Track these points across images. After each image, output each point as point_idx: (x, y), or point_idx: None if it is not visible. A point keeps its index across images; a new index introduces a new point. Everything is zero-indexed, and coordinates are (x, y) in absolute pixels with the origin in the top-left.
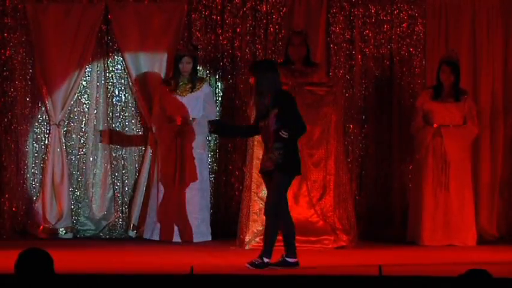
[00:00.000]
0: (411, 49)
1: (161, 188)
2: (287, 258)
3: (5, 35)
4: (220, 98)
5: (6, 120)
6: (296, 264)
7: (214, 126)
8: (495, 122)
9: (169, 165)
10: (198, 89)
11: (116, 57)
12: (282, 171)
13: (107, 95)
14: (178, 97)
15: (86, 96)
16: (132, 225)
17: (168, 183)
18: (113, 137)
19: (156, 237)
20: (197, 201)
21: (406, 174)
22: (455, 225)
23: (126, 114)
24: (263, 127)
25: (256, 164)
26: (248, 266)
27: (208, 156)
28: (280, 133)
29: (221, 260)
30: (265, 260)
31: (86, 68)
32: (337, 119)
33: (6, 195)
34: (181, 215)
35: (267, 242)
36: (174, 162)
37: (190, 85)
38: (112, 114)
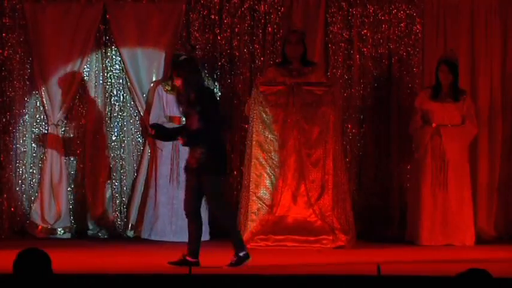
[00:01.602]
0: (409, 49)
1: (159, 187)
2: (188, 258)
3: (3, 35)
4: (218, 98)
5: (4, 120)
6: (197, 263)
7: (155, 130)
8: (493, 122)
9: (166, 165)
10: None
11: (114, 57)
12: (210, 174)
13: (105, 95)
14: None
15: (84, 96)
16: (130, 225)
17: (166, 183)
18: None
19: (154, 238)
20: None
21: (405, 173)
22: (453, 225)
23: (125, 114)
24: (186, 122)
25: (255, 164)
26: (229, 267)
27: None
28: (177, 139)
29: (219, 260)
30: (240, 254)
31: (84, 68)
32: (335, 119)
33: (5, 195)
34: (180, 215)
35: (233, 240)
36: (172, 162)
37: None
38: (110, 114)
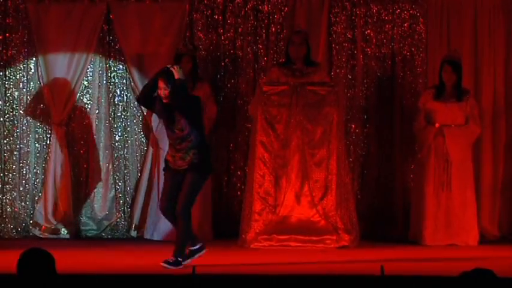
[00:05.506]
0: (413, 49)
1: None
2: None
3: (7, 35)
4: (221, 98)
5: (8, 120)
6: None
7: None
8: (497, 122)
9: None
10: (199, 88)
11: (117, 56)
12: (199, 173)
13: (109, 95)
14: None
15: (87, 96)
16: (133, 225)
17: None
18: None
19: (157, 238)
20: (199, 201)
21: (408, 173)
22: (457, 224)
23: (128, 114)
24: (173, 128)
25: (259, 164)
26: (164, 265)
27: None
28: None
29: (223, 260)
30: (180, 259)
31: (87, 68)
32: (338, 119)
33: (8, 195)
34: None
35: (180, 241)
36: None
37: (190, 85)
38: (114, 114)
